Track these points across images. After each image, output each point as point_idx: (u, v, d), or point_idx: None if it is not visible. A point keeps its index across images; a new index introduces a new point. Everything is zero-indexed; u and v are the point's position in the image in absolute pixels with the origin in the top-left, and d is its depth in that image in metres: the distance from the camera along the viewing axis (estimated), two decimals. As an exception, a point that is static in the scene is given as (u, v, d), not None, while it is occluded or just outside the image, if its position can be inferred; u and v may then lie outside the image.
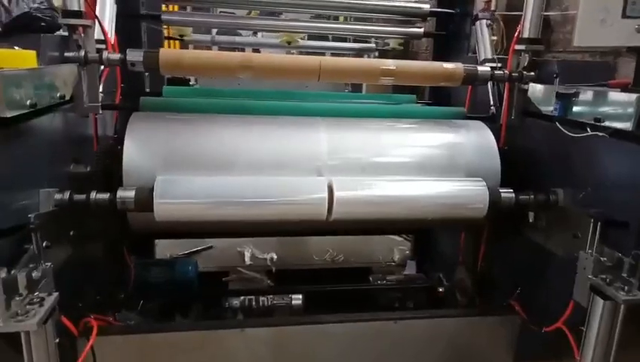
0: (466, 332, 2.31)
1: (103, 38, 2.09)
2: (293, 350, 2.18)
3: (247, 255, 3.60)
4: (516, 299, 2.34)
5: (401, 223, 2.29)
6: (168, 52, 2.06)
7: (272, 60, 2.08)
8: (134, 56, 2.02)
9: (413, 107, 2.56)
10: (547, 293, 2.16)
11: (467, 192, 1.99)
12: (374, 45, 4.01)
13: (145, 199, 1.79)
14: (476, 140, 2.24)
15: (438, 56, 3.24)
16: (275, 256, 3.53)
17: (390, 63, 2.16)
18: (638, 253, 1.61)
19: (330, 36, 4.67)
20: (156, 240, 3.30)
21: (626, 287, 1.60)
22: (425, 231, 3.30)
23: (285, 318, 2.32)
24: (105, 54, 2.00)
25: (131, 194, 1.82)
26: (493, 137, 2.26)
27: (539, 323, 2.10)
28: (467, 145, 2.21)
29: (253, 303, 2.67)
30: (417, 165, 2.13)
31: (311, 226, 2.38)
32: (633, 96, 1.68)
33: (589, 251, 1.76)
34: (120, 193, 1.82)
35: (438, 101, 3.10)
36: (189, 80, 5.02)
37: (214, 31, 4.38)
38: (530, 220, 2.13)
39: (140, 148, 1.93)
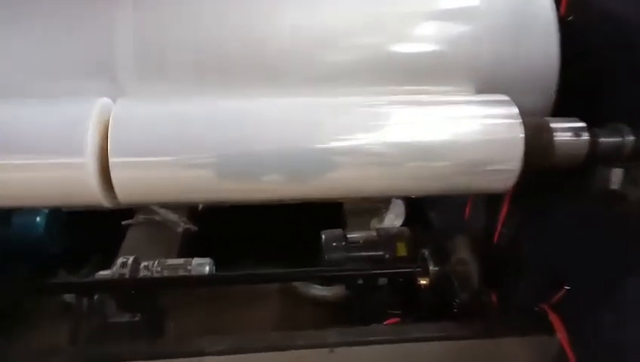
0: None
1: None
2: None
3: (169, 183, 2.58)
4: (555, 305, 1.29)
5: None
6: None
7: None
8: None
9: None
10: (620, 310, 1.12)
11: (469, 135, 0.80)
12: None
13: None
14: (507, 4, 0.99)
15: None
16: (208, 186, 2.49)
17: None
18: None
19: None
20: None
21: None
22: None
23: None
24: None
25: None
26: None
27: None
28: (485, 12, 0.98)
29: (128, 275, 1.68)
30: (368, 64, 0.92)
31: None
32: None
33: None
34: None
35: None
36: None
37: None
38: (614, 186, 0.97)
39: None
